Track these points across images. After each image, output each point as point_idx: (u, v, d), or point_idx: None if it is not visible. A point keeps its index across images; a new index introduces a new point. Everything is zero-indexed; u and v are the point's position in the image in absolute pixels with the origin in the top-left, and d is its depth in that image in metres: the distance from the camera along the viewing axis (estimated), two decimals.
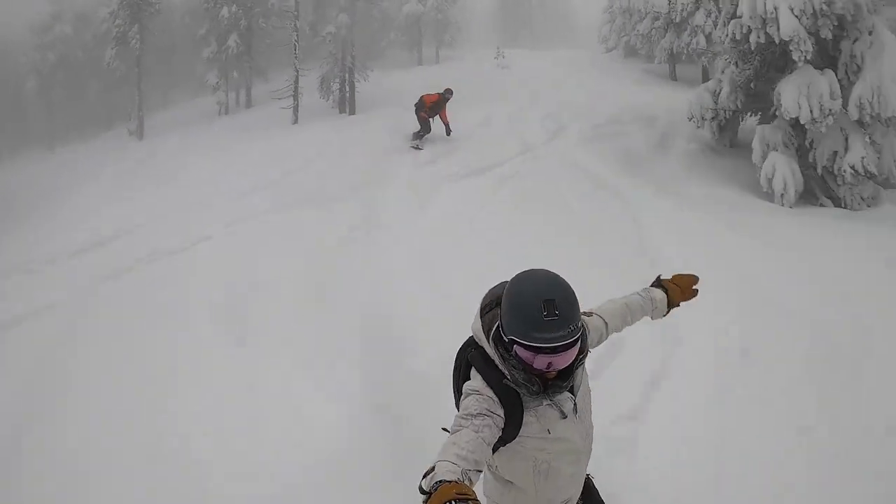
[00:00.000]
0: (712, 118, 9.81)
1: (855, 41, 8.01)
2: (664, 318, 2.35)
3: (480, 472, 1.61)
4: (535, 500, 1.91)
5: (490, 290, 1.91)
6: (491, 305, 1.87)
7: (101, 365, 4.82)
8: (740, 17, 8.34)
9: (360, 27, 17.74)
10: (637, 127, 12.04)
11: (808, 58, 7.81)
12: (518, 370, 1.74)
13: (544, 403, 1.80)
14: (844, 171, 7.80)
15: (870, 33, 7.93)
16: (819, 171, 8.20)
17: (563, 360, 1.72)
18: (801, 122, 7.86)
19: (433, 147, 11.59)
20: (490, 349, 1.81)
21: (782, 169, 7.85)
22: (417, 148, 11.63)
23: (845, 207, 8.03)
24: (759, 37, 8.08)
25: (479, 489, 1.66)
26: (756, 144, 8.44)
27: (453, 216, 7.79)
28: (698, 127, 10.26)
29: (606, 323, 2.12)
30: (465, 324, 1.93)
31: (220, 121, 19.68)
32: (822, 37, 7.88)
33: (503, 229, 7.12)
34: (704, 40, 17.68)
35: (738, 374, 4.04)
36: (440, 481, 1.39)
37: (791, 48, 7.75)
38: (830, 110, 7.66)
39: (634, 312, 2.24)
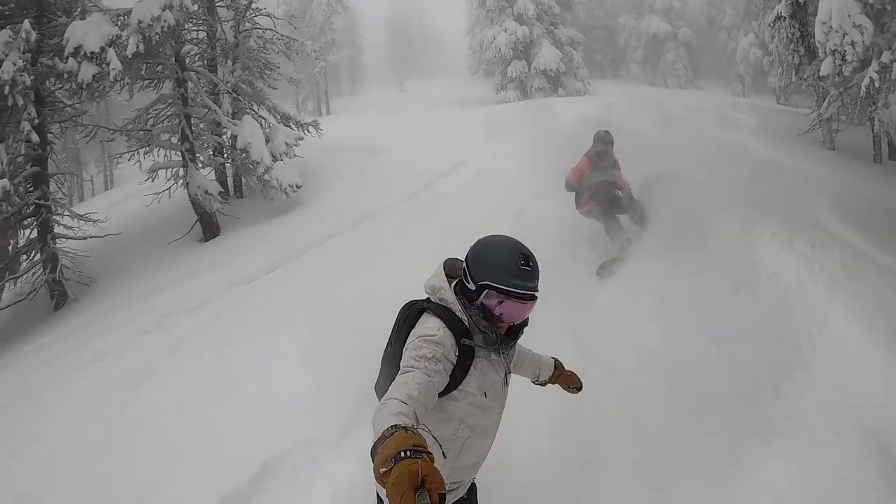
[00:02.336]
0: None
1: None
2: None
3: (424, 414, 1.67)
4: (445, 468, 1.97)
5: (448, 259, 2.15)
6: (450, 269, 2.11)
7: None
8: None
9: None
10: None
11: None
12: (480, 317, 1.95)
13: (492, 358, 2.01)
14: None
15: None
16: None
17: (525, 312, 1.99)
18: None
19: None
20: (451, 296, 2.00)
21: None
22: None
23: None
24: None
25: None
26: None
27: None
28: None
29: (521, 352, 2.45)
30: None
31: None
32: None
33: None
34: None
35: None
36: (395, 426, 1.39)
37: None
38: None
39: (530, 362, 2.53)
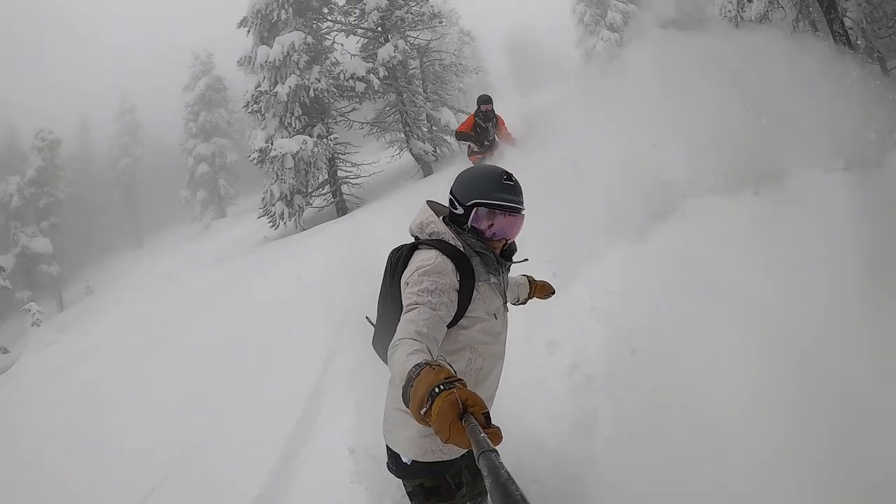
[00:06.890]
0: None
1: None
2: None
3: (436, 349, 1.66)
4: None
5: (428, 201, 2.25)
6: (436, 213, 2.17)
7: None
8: None
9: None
10: None
11: None
12: (475, 240, 2.00)
13: (491, 281, 2.05)
14: None
15: None
16: None
17: (516, 227, 2.07)
18: None
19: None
20: (442, 226, 2.04)
21: None
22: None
23: None
24: None
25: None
26: None
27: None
28: None
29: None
30: None
31: None
32: None
33: None
34: None
35: None
36: (418, 364, 1.40)
37: None
38: None
39: (512, 287, 2.58)
